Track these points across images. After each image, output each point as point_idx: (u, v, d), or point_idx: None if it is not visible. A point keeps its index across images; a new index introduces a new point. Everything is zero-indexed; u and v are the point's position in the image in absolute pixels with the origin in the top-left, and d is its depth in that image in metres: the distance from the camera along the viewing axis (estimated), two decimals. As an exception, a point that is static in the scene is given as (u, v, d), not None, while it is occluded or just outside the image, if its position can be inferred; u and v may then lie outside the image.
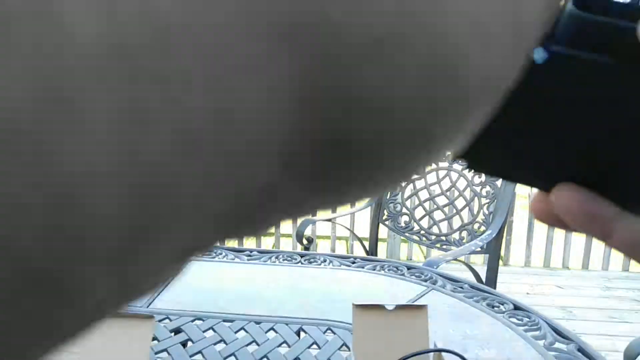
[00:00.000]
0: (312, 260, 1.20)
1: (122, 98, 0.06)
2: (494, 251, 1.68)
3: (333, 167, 0.09)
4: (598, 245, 2.61)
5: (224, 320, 0.89)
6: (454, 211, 1.90)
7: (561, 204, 0.17)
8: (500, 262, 2.77)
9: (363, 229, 2.41)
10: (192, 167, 0.07)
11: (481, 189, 1.81)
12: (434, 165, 1.91)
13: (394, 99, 0.09)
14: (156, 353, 0.79)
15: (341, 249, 3.62)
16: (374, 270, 1.15)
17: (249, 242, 3.43)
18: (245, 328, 0.88)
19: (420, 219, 1.94)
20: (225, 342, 0.83)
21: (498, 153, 0.16)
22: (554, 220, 0.18)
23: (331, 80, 0.08)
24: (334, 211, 2.44)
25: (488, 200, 1.78)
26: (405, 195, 1.96)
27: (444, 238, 1.87)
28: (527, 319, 0.87)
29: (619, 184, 0.17)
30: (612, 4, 0.13)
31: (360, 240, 2.00)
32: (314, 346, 0.84)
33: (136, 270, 0.08)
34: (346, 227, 2.15)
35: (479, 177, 1.80)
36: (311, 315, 0.91)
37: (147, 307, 0.96)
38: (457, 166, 1.87)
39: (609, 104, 0.14)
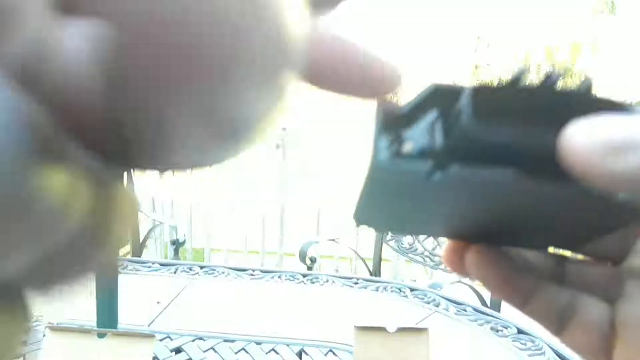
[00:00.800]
0: (314, 280, 1.19)
1: None
2: (498, 273, 1.67)
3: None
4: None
5: (225, 340, 0.89)
6: (458, 232, 1.89)
7: (477, 271, 0.17)
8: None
9: (367, 249, 2.40)
10: None
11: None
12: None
13: None
14: (156, 373, 0.78)
15: (345, 268, 3.60)
16: (377, 291, 1.14)
17: (252, 262, 3.42)
18: (245, 349, 0.87)
19: (424, 240, 1.94)
20: (225, 363, 0.83)
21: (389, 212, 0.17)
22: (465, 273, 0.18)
23: None
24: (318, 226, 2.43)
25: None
26: (410, 216, 1.96)
27: (448, 259, 1.85)
28: (531, 343, 0.86)
29: (517, 241, 0.17)
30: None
31: (363, 260, 1.99)
32: (315, 368, 0.83)
33: None
34: (350, 248, 2.14)
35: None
36: (313, 336, 0.91)
37: (148, 325, 0.95)
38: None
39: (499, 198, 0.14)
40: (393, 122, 0.13)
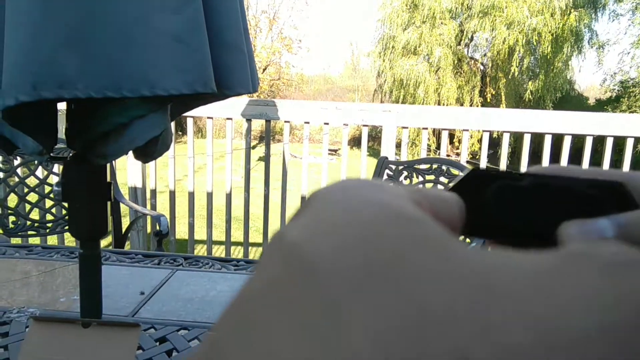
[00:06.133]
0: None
1: None
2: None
3: None
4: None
5: (210, 330, 0.89)
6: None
7: None
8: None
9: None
10: None
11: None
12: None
13: None
14: (141, 362, 0.79)
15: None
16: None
17: (236, 253, 3.42)
18: (230, 337, 0.88)
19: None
20: (210, 352, 0.83)
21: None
22: None
23: None
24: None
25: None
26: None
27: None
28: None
29: None
30: None
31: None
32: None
33: None
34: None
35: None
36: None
37: (133, 316, 0.95)
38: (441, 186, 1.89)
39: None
40: None
